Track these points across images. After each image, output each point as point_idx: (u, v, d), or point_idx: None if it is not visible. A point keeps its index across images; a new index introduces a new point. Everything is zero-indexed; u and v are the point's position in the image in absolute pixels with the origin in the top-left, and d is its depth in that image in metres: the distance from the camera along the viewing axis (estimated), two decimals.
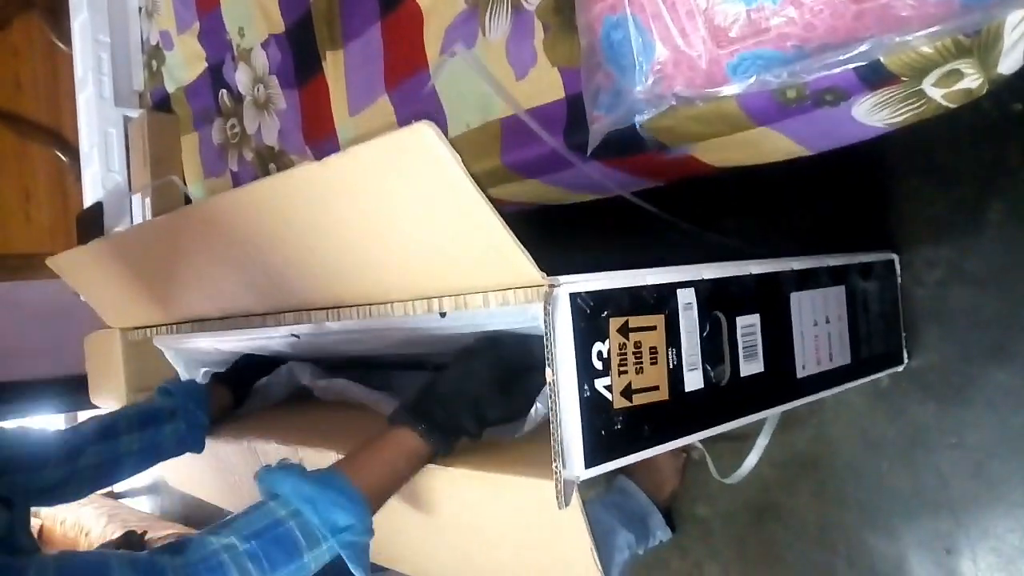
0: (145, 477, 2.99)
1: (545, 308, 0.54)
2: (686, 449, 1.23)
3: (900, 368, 1.01)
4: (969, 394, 0.98)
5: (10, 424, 2.62)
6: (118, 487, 3.18)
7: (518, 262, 0.56)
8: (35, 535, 2.40)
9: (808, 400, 0.82)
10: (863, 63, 0.62)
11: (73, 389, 1.66)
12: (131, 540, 2.22)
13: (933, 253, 1.00)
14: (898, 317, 1.00)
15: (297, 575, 0.59)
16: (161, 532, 2.29)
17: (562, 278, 0.56)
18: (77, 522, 2.56)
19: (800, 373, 0.80)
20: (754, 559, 1.17)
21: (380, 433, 0.67)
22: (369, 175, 0.59)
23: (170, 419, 0.93)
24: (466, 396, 0.68)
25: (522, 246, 0.55)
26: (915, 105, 0.68)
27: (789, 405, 0.79)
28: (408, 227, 0.62)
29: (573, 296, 0.56)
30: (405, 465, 0.66)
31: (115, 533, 2.31)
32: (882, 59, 0.62)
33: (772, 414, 0.77)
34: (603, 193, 0.99)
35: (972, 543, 0.98)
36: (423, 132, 0.51)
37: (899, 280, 1.01)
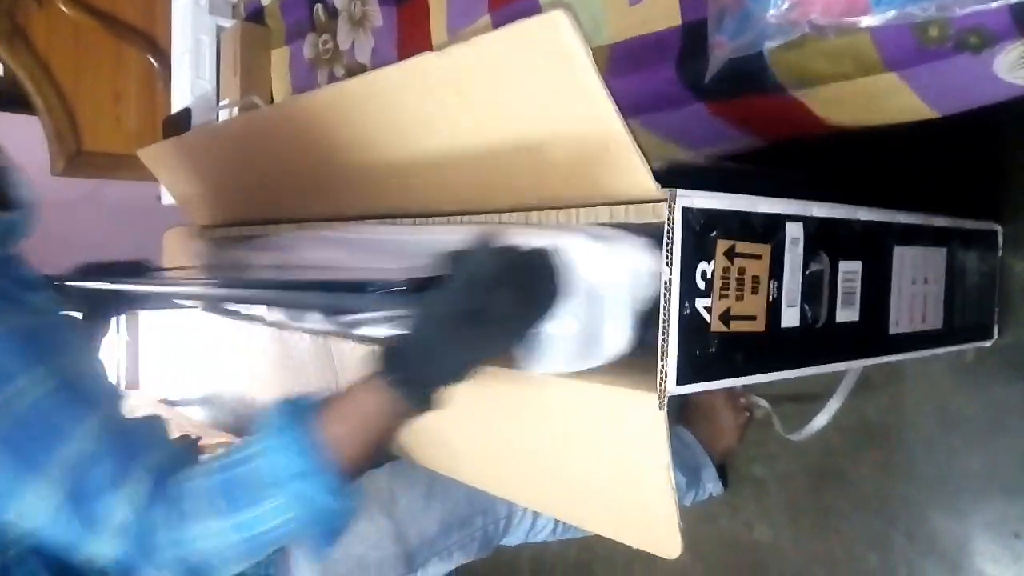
0: (199, 388, 3.09)
1: (668, 218, 0.53)
2: (749, 408, 1.22)
3: (988, 343, 0.97)
4: None
5: None
6: (173, 395, 3.29)
7: (635, 172, 0.55)
8: None
9: (896, 358, 0.80)
10: None
11: None
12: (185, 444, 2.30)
13: None
14: (994, 290, 0.96)
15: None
16: (214, 440, 2.37)
17: (678, 191, 0.55)
18: None
19: (892, 329, 0.78)
20: (808, 525, 1.16)
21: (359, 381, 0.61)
22: (489, 68, 0.58)
23: None
24: (439, 340, 0.57)
25: (643, 155, 0.54)
26: None
27: (877, 360, 0.77)
28: (519, 127, 0.61)
29: (685, 211, 0.55)
30: (376, 420, 0.60)
31: (171, 436, 2.39)
32: None
33: (858, 367, 0.76)
34: (697, 150, 0.95)
35: None
36: (558, 20, 0.49)
37: (1000, 252, 0.97)
